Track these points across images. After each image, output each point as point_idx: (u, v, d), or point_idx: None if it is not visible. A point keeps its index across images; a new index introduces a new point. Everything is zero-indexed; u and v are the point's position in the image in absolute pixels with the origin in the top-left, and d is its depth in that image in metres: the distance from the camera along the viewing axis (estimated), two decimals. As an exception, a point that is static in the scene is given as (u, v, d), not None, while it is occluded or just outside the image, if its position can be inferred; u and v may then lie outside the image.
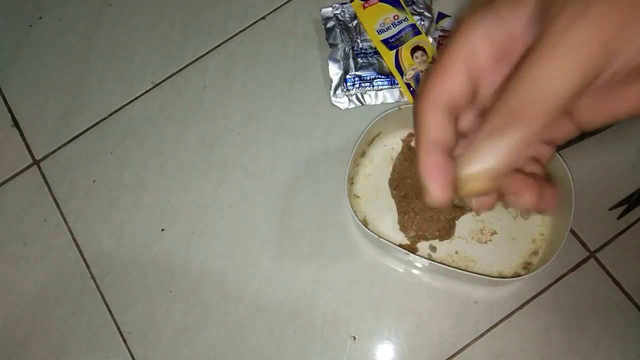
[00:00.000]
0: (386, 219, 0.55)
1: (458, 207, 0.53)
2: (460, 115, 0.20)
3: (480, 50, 0.18)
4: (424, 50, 0.58)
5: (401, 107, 0.53)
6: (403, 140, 0.57)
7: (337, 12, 0.62)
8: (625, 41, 0.15)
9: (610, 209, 0.53)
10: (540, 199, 0.20)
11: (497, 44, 0.18)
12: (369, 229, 0.49)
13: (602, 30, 0.15)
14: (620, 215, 0.53)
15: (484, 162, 0.17)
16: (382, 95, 0.59)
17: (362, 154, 0.56)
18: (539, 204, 0.20)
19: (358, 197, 0.56)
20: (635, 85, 0.18)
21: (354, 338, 0.53)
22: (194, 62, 0.64)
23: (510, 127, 0.16)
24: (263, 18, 0.65)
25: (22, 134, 0.63)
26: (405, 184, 0.54)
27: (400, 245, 0.52)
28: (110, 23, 0.67)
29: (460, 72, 0.19)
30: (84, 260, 0.58)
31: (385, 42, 0.59)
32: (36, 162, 0.62)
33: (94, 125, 0.63)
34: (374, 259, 0.55)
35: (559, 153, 0.50)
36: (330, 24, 0.61)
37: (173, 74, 0.64)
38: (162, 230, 0.58)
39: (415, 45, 0.59)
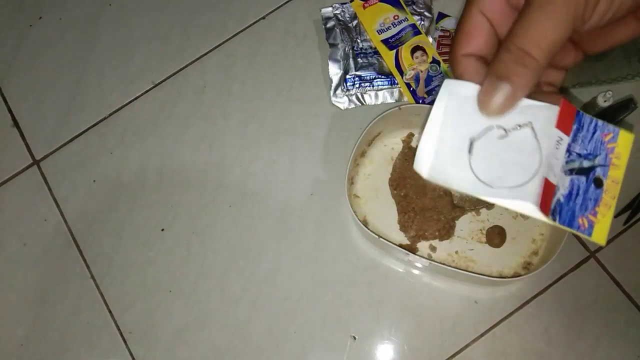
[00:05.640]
0: (386, 219, 0.55)
1: (458, 207, 0.53)
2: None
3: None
4: (424, 50, 0.58)
5: (401, 107, 0.53)
6: (403, 140, 0.57)
7: (337, 12, 0.62)
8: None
9: (615, 216, 0.53)
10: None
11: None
12: (369, 229, 0.49)
13: None
14: (626, 221, 0.52)
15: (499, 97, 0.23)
16: (382, 95, 0.59)
17: (362, 154, 0.56)
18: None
19: (358, 197, 0.56)
20: (625, 22, 0.24)
21: (354, 338, 0.53)
22: (194, 62, 0.64)
23: (517, 67, 0.22)
24: (263, 18, 0.65)
25: (22, 134, 0.63)
26: (405, 184, 0.54)
27: (400, 245, 0.52)
28: (110, 23, 0.67)
29: (480, 19, 0.25)
30: (84, 260, 0.58)
31: (385, 42, 0.59)
32: (36, 162, 0.62)
33: (94, 125, 0.63)
34: (374, 259, 0.55)
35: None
36: (330, 24, 0.61)
37: (173, 74, 0.64)
38: (162, 230, 0.58)
39: (415, 45, 0.58)
